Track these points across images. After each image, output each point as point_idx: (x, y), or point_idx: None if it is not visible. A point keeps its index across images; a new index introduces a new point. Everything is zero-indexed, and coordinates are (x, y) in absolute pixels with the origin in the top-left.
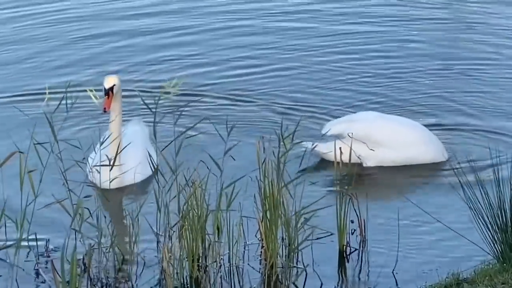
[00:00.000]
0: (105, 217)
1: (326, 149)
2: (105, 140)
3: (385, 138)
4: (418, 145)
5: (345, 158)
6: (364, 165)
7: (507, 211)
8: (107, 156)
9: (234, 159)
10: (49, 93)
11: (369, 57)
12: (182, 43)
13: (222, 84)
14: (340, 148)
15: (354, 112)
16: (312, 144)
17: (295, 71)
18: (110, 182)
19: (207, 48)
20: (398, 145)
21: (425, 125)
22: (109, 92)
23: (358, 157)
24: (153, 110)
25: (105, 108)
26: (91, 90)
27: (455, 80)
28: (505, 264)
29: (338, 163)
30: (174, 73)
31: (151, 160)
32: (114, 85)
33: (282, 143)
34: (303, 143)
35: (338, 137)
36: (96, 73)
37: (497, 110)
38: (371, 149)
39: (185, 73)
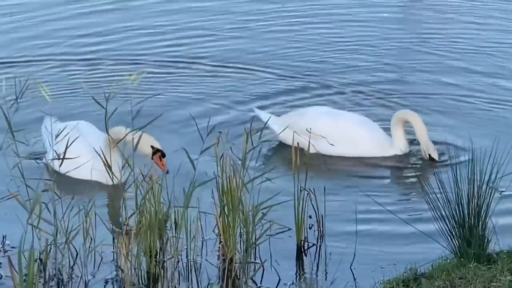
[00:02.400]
0: (56, 211)
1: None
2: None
3: (327, 132)
4: (359, 141)
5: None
6: (307, 154)
7: (465, 206)
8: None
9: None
10: None
11: (335, 20)
12: (111, 10)
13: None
14: (298, 143)
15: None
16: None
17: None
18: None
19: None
20: (340, 139)
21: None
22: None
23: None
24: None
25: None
26: (44, 90)
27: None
28: (462, 259)
29: (295, 148)
30: (100, 37)
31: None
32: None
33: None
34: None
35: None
36: (15, 38)
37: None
38: (331, 144)
39: (124, 43)
